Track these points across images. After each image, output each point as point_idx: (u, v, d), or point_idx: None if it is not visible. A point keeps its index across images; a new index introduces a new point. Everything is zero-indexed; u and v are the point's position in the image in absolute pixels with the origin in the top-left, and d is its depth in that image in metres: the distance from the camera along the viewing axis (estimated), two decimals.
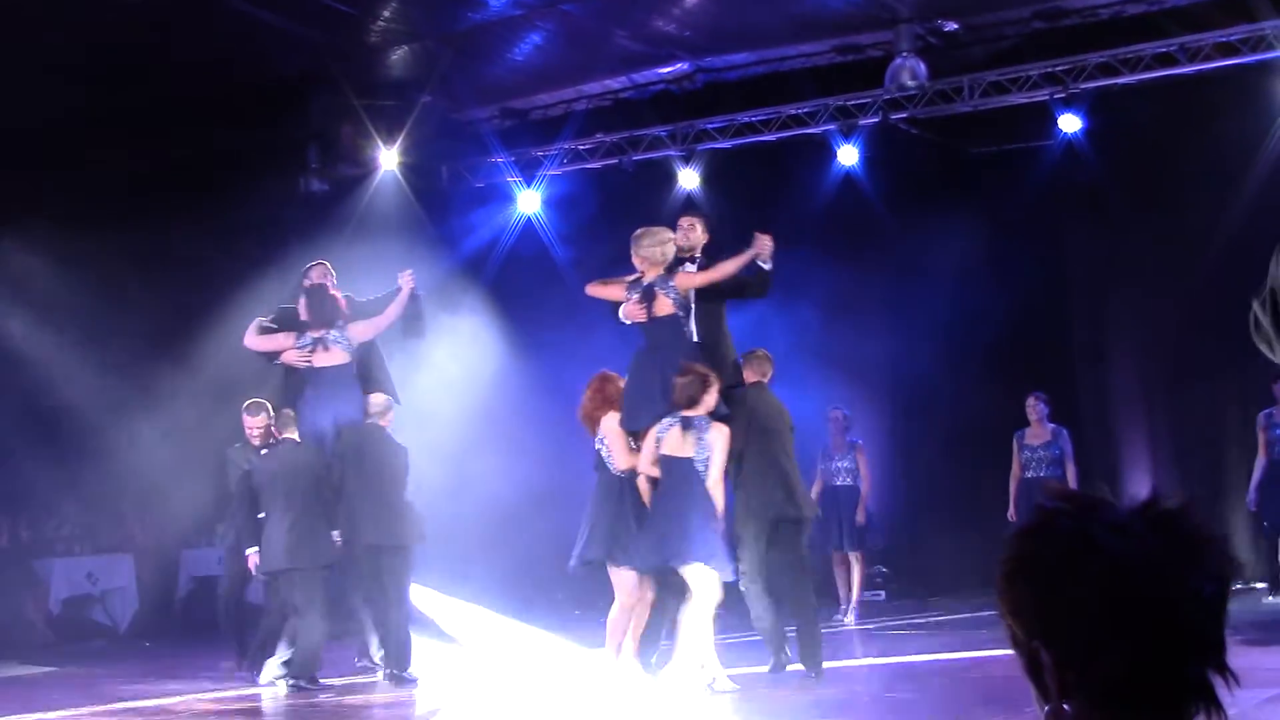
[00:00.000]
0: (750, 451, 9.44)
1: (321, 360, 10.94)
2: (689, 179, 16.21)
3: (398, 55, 15.28)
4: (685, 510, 8.84)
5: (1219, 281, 13.75)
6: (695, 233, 10.06)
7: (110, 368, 14.19)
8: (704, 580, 8.82)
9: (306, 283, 11.25)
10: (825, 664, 9.48)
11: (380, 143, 16.16)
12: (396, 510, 10.64)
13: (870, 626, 13.48)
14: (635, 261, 9.65)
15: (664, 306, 9.48)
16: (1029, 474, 13.36)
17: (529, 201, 16.62)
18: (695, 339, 9.60)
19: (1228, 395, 14.24)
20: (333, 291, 11.22)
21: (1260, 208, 13.32)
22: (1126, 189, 15.03)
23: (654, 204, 16.54)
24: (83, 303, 14.01)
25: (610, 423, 9.37)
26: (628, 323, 9.69)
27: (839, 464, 14.01)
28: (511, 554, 14.78)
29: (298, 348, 10.98)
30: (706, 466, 8.92)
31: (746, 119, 15.58)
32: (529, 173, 16.58)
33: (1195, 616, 1.57)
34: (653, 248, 9.59)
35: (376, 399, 11.03)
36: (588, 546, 9.21)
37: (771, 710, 8.79)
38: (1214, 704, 1.58)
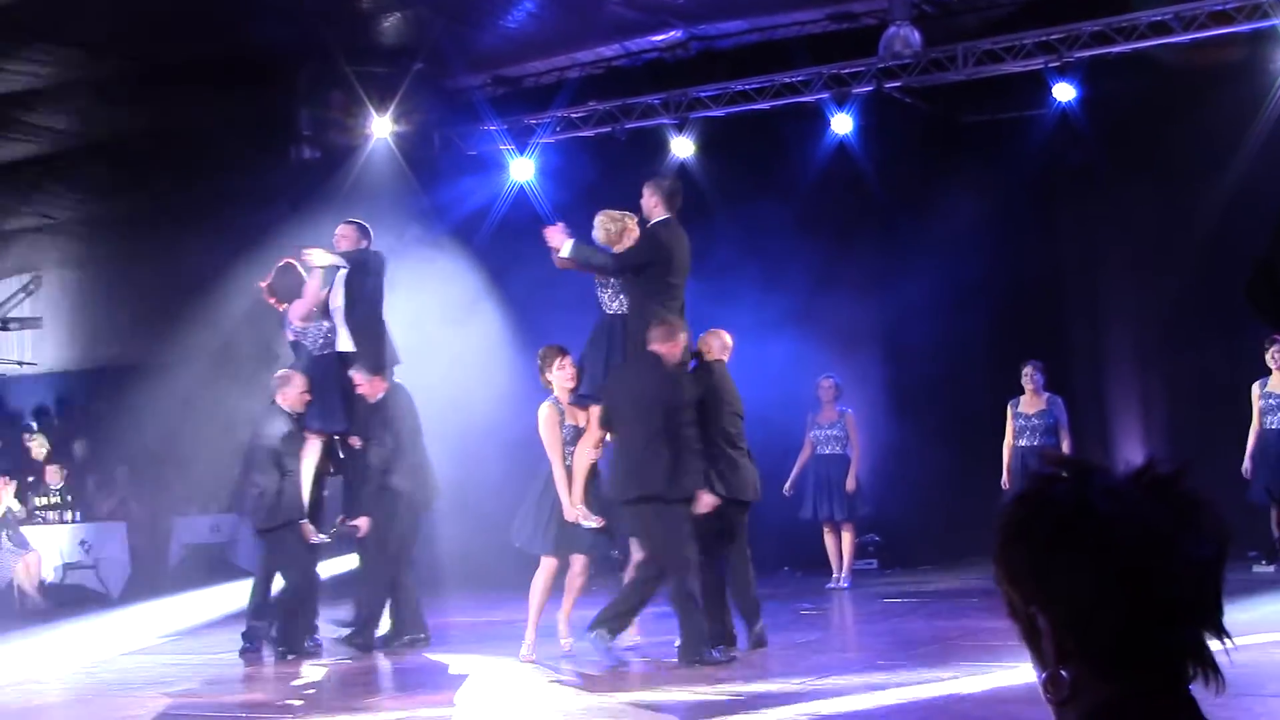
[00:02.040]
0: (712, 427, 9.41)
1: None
2: (682, 147, 16.18)
3: (389, 22, 15.24)
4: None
5: (1213, 250, 13.75)
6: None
7: (104, 335, 14.18)
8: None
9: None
10: (819, 634, 9.59)
11: (372, 110, 16.12)
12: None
13: (861, 594, 13.52)
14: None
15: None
16: (1023, 442, 13.40)
17: (522, 170, 16.58)
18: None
19: (1221, 364, 14.24)
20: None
21: (1254, 176, 13.32)
22: (1120, 158, 15.01)
23: (647, 172, 16.53)
24: (73, 273, 14.00)
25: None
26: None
27: (828, 432, 14.04)
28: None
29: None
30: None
31: (740, 87, 15.55)
32: (522, 141, 16.54)
33: (1192, 580, 1.57)
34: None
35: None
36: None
37: (764, 675, 8.81)
38: (1211, 667, 1.59)
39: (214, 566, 15.20)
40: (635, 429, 9.09)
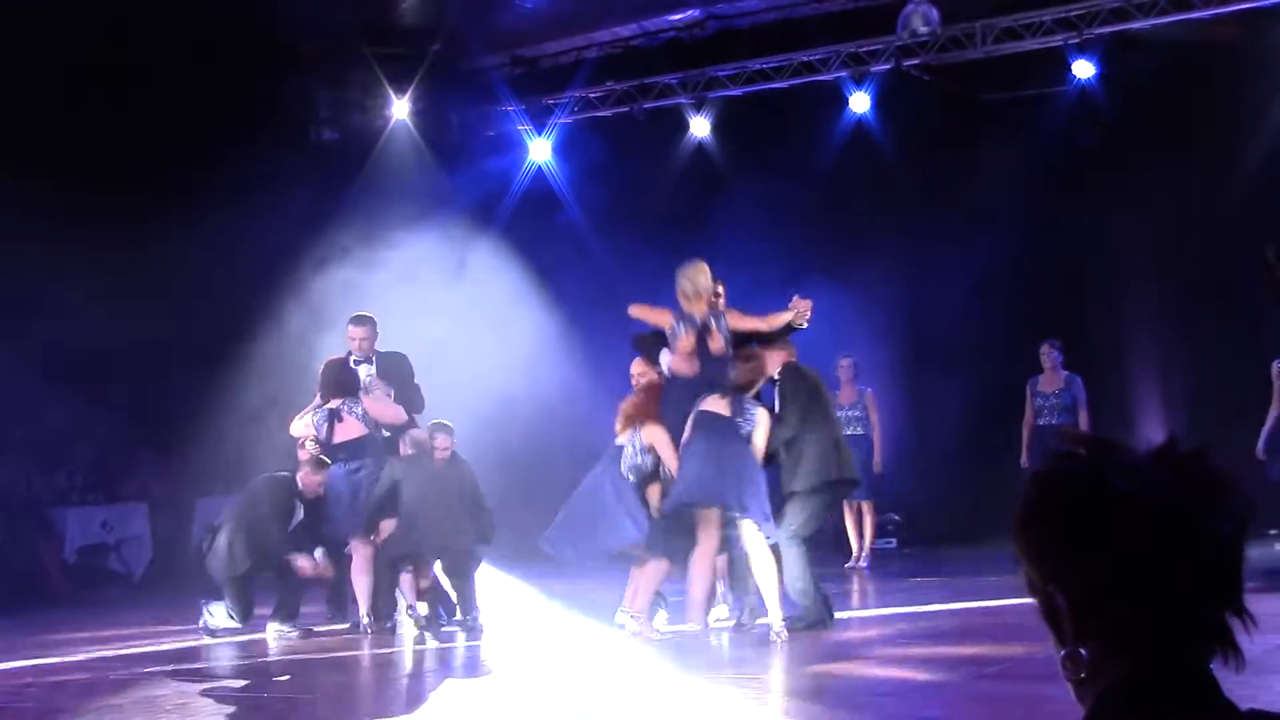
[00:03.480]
0: (811, 418, 9.54)
1: (339, 434, 10.86)
2: (700, 127, 16.16)
3: (408, 4, 15.23)
4: (734, 461, 9.03)
5: (1234, 228, 13.69)
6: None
7: (123, 316, 14.20)
8: (754, 538, 9.01)
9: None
10: (838, 614, 9.64)
11: (391, 92, 16.12)
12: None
13: (882, 574, 13.52)
14: (679, 297, 9.66)
15: (717, 344, 9.58)
16: (1041, 421, 13.37)
17: (540, 150, 16.58)
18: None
19: (1242, 343, 14.19)
20: (353, 363, 11.14)
21: (1275, 152, 13.26)
22: (1140, 135, 14.94)
23: (665, 152, 16.52)
24: (92, 255, 14.02)
25: (659, 433, 9.51)
26: (672, 362, 9.76)
27: (849, 413, 14.00)
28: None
29: (315, 426, 10.88)
30: (748, 433, 9.10)
31: (758, 66, 15.52)
32: (540, 121, 16.54)
33: (1212, 558, 1.57)
34: (696, 278, 9.63)
35: (415, 436, 11.00)
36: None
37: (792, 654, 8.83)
38: (1231, 646, 1.58)
39: None
40: (824, 428, 9.54)
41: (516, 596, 12.02)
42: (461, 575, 10.64)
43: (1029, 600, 1.67)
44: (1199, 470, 1.60)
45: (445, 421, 11.22)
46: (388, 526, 10.74)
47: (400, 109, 16.21)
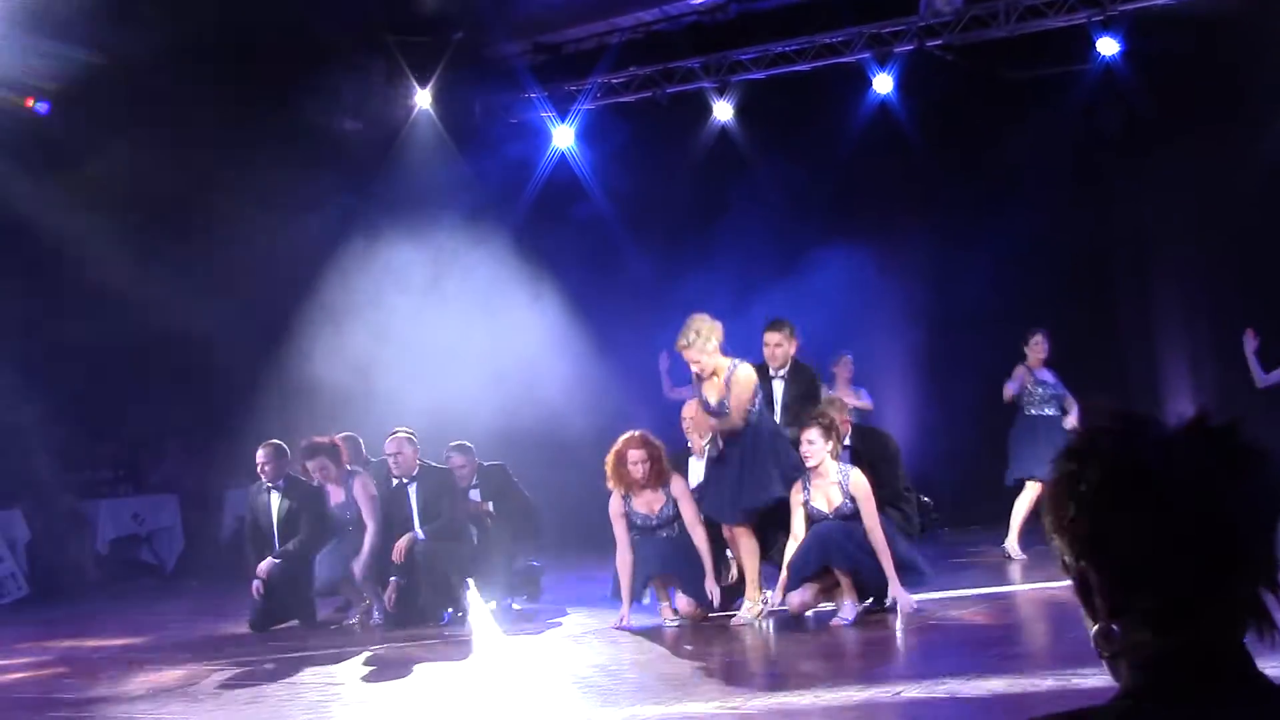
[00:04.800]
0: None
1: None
2: (723, 110, 16.14)
3: None
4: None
5: (1261, 204, 13.61)
6: (783, 348, 10.39)
7: (148, 308, 14.26)
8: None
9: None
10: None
11: (413, 80, 16.13)
12: None
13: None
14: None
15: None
16: (1033, 411, 12.88)
17: (563, 137, 16.58)
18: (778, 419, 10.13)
19: (1273, 316, 14.10)
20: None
21: None
22: (1166, 113, 14.84)
23: (688, 136, 16.50)
24: (115, 249, 14.08)
25: (681, 483, 10.08)
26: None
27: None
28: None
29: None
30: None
31: (780, 49, 15.47)
32: (563, 108, 16.53)
33: (1246, 533, 1.56)
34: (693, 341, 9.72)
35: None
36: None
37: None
38: (1267, 620, 1.58)
39: None
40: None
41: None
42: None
43: (1053, 584, 1.67)
44: (1230, 443, 1.59)
45: (465, 443, 11.43)
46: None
47: (423, 98, 16.23)
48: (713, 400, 9.59)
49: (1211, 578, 1.55)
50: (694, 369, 9.65)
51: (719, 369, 9.60)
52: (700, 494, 9.98)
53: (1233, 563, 1.56)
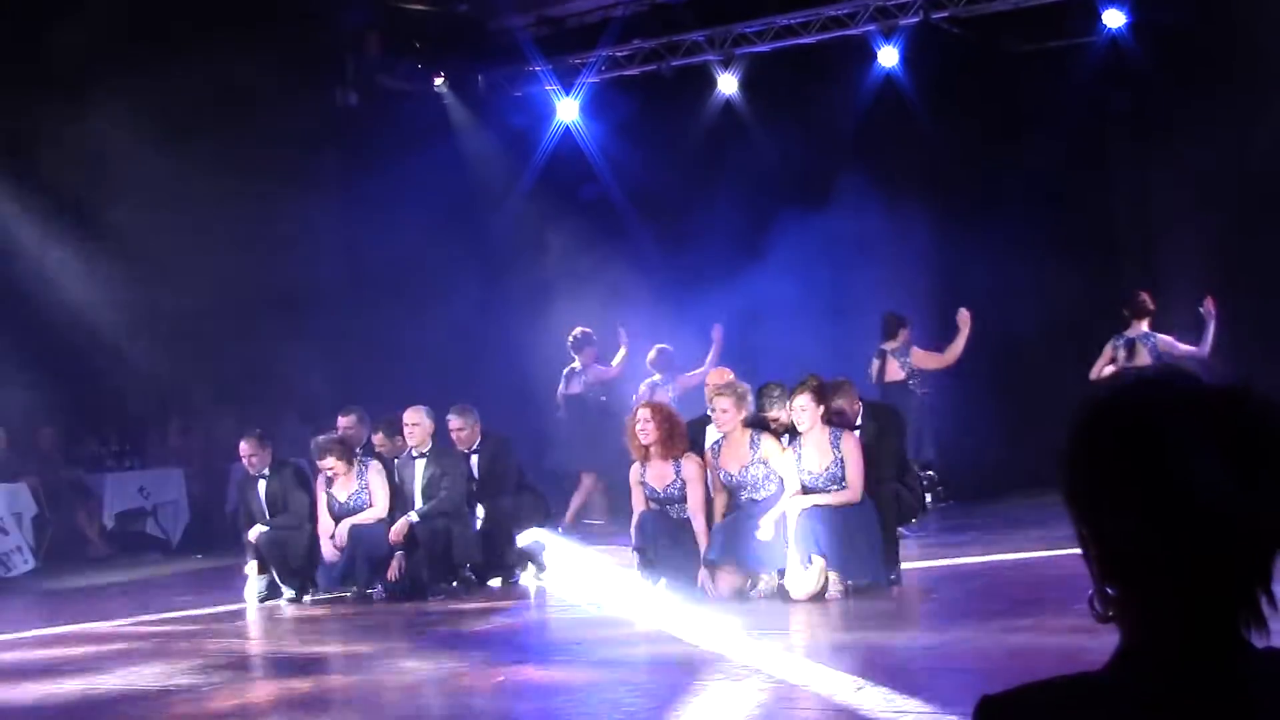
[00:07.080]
0: None
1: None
2: (728, 84, 16.10)
3: None
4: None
5: (1268, 177, 13.57)
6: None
7: (152, 284, 14.27)
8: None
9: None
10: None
11: (416, 52, 16.10)
12: None
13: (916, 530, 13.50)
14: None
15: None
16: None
17: (567, 110, 16.55)
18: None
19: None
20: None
21: None
22: (1173, 85, 14.79)
23: (693, 110, 16.47)
24: (119, 228, 14.09)
25: (694, 467, 9.93)
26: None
27: None
28: None
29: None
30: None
31: (785, 21, 15.43)
32: (567, 81, 16.50)
33: (1245, 532, 1.52)
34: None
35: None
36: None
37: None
38: (1256, 614, 1.55)
39: None
40: None
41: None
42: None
43: (1060, 553, 1.66)
44: (1238, 422, 1.54)
45: (466, 406, 11.40)
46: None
47: (427, 71, 16.21)
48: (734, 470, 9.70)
49: (1203, 564, 1.52)
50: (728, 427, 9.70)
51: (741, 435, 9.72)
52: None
53: (1229, 559, 1.52)
